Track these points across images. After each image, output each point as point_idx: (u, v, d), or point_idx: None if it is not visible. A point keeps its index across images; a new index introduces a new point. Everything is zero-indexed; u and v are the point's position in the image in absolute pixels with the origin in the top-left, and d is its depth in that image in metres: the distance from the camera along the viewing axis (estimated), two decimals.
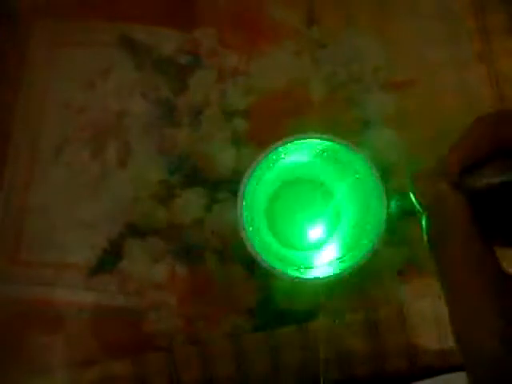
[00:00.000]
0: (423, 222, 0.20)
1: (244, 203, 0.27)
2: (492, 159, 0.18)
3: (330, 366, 0.35)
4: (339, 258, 0.29)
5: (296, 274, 0.27)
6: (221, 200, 0.37)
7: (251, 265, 0.36)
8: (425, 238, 0.20)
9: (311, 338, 0.36)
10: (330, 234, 0.34)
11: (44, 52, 0.39)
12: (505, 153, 0.18)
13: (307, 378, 0.36)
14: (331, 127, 0.37)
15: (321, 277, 0.27)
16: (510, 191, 0.18)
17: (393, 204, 0.24)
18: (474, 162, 0.19)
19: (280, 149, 0.27)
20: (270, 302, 0.36)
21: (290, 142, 0.27)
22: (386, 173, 0.22)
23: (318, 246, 0.34)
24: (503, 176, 0.18)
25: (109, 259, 0.36)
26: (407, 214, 0.23)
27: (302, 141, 0.27)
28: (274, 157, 0.28)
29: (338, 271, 0.26)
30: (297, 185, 0.35)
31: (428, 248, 0.19)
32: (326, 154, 0.30)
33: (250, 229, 0.28)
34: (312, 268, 0.29)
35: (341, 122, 0.38)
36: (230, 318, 0.36)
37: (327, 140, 0.27)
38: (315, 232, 0.33)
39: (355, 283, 0.36)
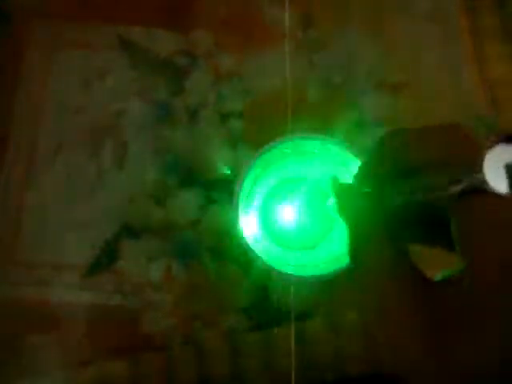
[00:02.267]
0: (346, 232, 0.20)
1: (240, 203, 0.28)
2: (400, 176, 0.19)
3: (323, 366, 0.36)
4: (334, 258, 0.29)
5: (291, 272, 0.27)
6: (217, 200, 0.37)
7: (247, 264, 0.36)
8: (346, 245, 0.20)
9: (306, 338, 0.36)
10: (325, 233, 0.34)
11: (41, 53, 0.39)
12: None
13: (303, 379, 0.36)
14: (326, 128, 0.38)
15: (316, 276, 0.27)
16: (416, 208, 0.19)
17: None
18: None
19: (275, 148, 0.28)
20: (266, 301, 0.36)
21: (285, 142, 0.28)
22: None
23: (314, 245, 0.34)
24: (401, 197, 0.18)
25: (105, 259, 0.37)
26: None
27: (296, 140, 0.28)
28: (270, 157, 0.29)
29: (332, 270, 0.27)
30: (292, 184, 0.36)
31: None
32: (320, 153, 0.30)
33: (246, 227, 0.28)
34: (307, 267, 0.30)
35: (336, 122, 0.38)
36: (226, 318, 0.36)
37: (322, 139, 0.28)
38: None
39: (350, 283, 0.37)
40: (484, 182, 0.13)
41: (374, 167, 0.21)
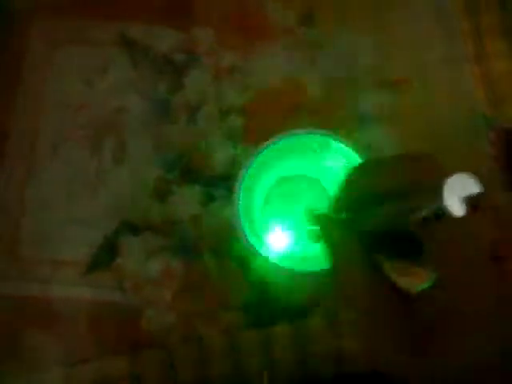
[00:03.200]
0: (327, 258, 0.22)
1: (240, 199, 0.28)
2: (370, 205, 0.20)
3: (322, 363, 0.36)
4: None
5: (290, 267, 0.27)
6: (217, 197, 0.37)
7: (247, 261, 0.36)
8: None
9: (306, 336, 0.36)
10: None
11: (42, 50, 0.39)
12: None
13: (302, 375, 0.36)
14: (327, 125, 0.38)
15: (315, 270, 0.27)
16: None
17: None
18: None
19: (275, 145, 0.28)
20: (265, 299, 0.36)
21: (285, 138, 0.28)
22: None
23: (312, 240, 0.34)
24: (371, 223, 0.20)
25: (105, 256, 0.37)
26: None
27: (297, 136, 0.28)
28: (270, 153, 0.29)
29: (327, 266, 0.27)
30: (293, 181, 0.36)
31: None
32: (321, 149, 0.30)
33: (246, 224, 0.28)
34: (307, 263, 0.30)
35: (336, 119, 0.38)
36: (225, 315, 0.36)
37: (323, 135, 0.28)
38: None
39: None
40: (444, 208, 0.14)
41: (345, 197, 0.22)
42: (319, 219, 0.24)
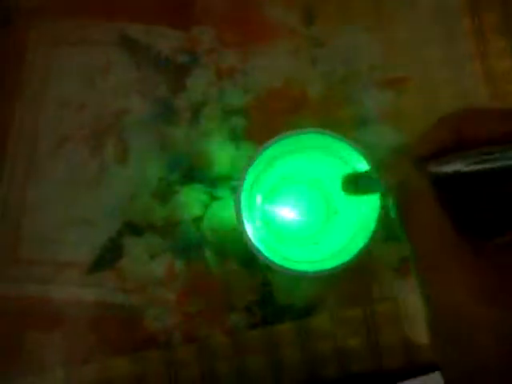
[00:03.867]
0: (391, 201, 0.21)
1: (242, 199, 0.28)
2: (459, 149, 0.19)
3: (326, 362, 0.36)
4: (335, 254, 0.29)
5: (293, 268, 0.27)
6: (220, 197, 0.37)
7: (250, 261, 0.36)
8: (393, 215, 0.21)
9: (310, 335, 0.36)
10: (327, 229, 0.34)
11: (42, 51, 0.39)
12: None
13: (307, 374, 0.36)
14: (328, 124, 0.38)
15: (317, 271, 0.27)
16: (471, 182, 0.19)
17: (390, 199, 0.24)
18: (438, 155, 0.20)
19: (277, 144, 0.28)
20: (269, 298, 0.36)
21: (286, 138, 0.28)
22: (381, 169, 0.23)
23: (315, 241, 0.34)
24: (464, 166, 0.18)
25: (108, 256, 0.37)
26: None
27: (298, 136, 0.28)
28: (272, 153, 0.29)
29: (334, 266, 0.27)
30: (294, 181, 0.36)
31: (398, 225, 0.20)
32: (322, 149, 0.30)
33: (249, 224, 0.28)
34: (310, 262, 0.30)
35: (338, 119, 0.38)
36: (229, 315, 0.36)
37: (324, 135, 0.28)
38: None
39: (352, 279, 0.37)
40: None
41: (431, 138, 0.21)
42: (393, 158, 0.22)
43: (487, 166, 0.17)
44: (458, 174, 0.18)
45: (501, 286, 0.16)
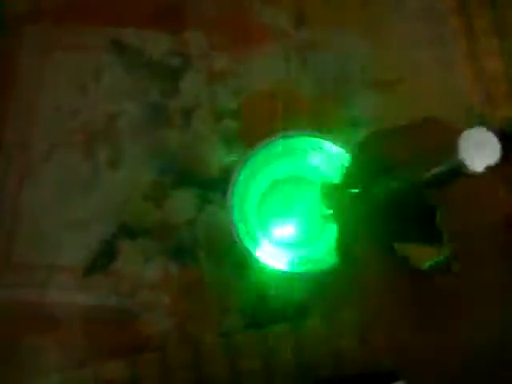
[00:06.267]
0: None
1: (234, 201, 0.28)
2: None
3: (320, 364, 0.36)
4: (330, 254, 0.29)
5: (286, 268, 0.27)
6: (212, 200, 0.37)
7: (243, 264, 0.36)
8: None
9: (305, 336, 0.36)
10: (319, 231, 0.34)
11: (35, 56, 0.39)
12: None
13: (301, 376, 0.36)
14: (320, 126, 0.38)
15: (312, 272, 0.27)
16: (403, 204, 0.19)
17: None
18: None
19: (268, 147, 0.28)
20: (263, 300, 0.36)
21: (277, 140, 0.28)
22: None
23: (309, 243, 0.34)
24: (384, 192, 0.19)
25: (101, 260, 0.37)
26: None
27: (290, 138, 0.28)
28: (263, 156, 0.29)
29: (325, 266, 0.27)
30: (287, 183, 0.36)
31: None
32: (313, 152, 0.30)
33: (242, 227, 0.28)
34: (303, 264, 0.30)
35: (329, 121, 0.38)
36: (223, 318, 0.36)
37: (316, 137, 0.28)
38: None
39: (345, 280, 0.37)
40: (461, 163, 0.13)
41: (355, 171, 0.21)
42: (331, 191, 0.23)
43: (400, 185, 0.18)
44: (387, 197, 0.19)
45: (425, 306, 0.17)
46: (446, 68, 0.39)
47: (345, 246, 0.20)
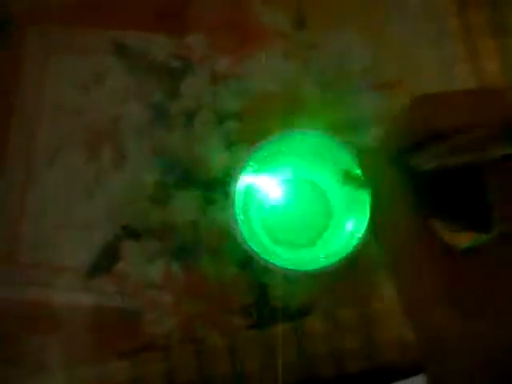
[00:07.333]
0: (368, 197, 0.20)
1: (236, 203, 0.28)
2: (430, 142, 0.18)
3: (322, 363, 0.36)
4: (332, 253, 0.30)
5: (288, 267, 0.27)
6: (215, 200, 0.37)
7: (245, 264, 0.37)
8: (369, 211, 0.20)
9: (306, 336, 0.36)
10: (321, 230, 0.35)
11: (38, 59, 0.40)
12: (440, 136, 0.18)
13: (303, 375, 0.36)
14: (321, 127, 0.38)
15: (312, 269, 0.27)
16: (447, 175, 0.18)
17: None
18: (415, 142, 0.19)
19: (269, 146, 0.28)
20: (265, 299, 0.36)
21: (278, 140, 0.28)
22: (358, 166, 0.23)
23: (311, 242, 0.34)
24: (436, 162, 0.18)
25: (105, 260, 0.37)
26: None
27: (290, 138, 0.28)
28: (265, 155, 0.29)
29: (327, 264, 0.27)
30: (289, 183, 0.36)
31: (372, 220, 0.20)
32: (316, 150, 0.30)
33: (244, 227, 0.28)
34: (305, 262, 0.30)
35: (331, 121, 0.38)
36: (226, 317, 0.36)
37: (318, 137, 0.28)
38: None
39: (346, 279, 0.37)
40: None
41: (401, 133, 0.20)
42: (369, 155, 0.22)
43: (459, 159, 0.16)
44: (432, 170, 0.18)
45: (465, 290, 0.16)
46: (446, 67, 0.39)
47: (380, 209, 0.19)
